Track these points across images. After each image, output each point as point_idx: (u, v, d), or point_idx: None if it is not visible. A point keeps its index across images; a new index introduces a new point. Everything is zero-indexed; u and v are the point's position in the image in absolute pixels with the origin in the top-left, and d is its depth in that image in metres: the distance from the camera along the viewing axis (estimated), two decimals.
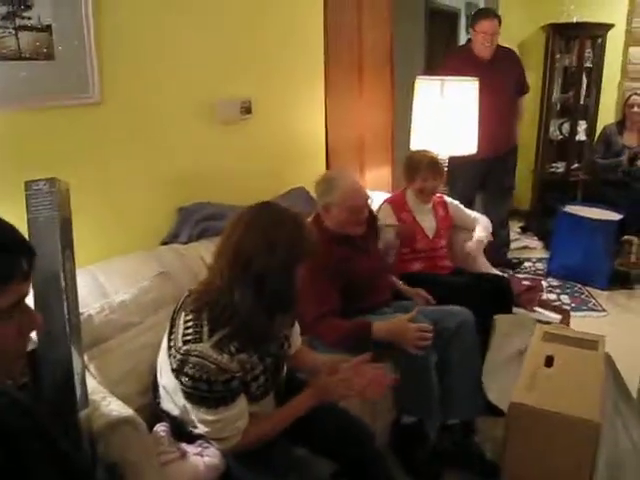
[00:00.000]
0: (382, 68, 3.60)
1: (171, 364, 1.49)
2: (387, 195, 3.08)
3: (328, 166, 3.25)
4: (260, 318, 1.49)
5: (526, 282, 3.56)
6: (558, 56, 4.94)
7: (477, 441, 2.25)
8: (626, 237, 3.99)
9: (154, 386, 1.71)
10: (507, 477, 1.87)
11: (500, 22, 3.74)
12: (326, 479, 1.70)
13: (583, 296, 3.85)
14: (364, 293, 2.25)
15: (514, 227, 5.07)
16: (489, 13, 3.78)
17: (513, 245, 4.71)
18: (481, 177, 4.08)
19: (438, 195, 2.91)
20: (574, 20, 4.78)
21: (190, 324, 1.48)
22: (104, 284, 1.96)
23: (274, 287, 1.47)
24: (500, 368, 2.30)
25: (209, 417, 1.47)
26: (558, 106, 5.15)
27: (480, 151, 3.68)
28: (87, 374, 1.60)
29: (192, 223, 2.39)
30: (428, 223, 2.79)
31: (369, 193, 2.40)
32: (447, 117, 3.14)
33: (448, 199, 2.96)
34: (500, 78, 3.82)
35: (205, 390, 1.43)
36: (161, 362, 1.62)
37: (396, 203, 2.77)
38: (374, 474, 1.70)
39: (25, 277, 0.89)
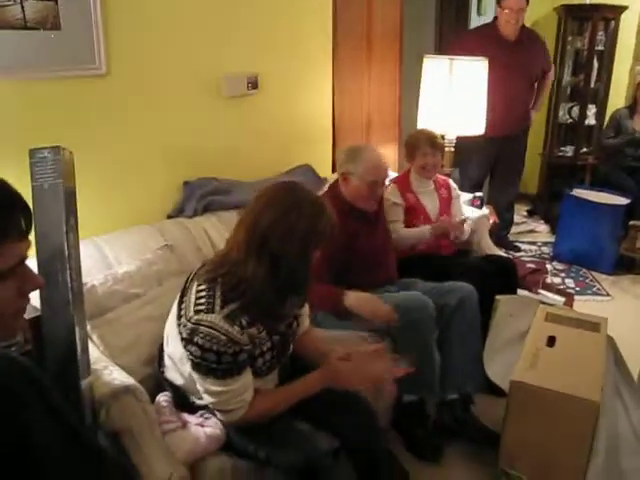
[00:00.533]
0: (391, 46, 3.55)
1: (181, 333, 1.50)
2: (394, 174, 3.08)
3: (334, 144, 3.23)
4: (272, 296, 1.50)
5: (531, 265, 3.56)
6: (570, 38, 4.86)
7: (476, 414, 2.28)
8: (633, 222, 3.97)
9: (159, 355, 1.73)
10: (505, 455, 1.88)
11: (528, 0, 3.69)
12: (326, 454, 1.71)
13: (588, 280, 3.84)
14: (369, 269, 2.26)
15: (521, 211, 5.05)
16: None
17: (520, 228, 4.71)
18: (491, 158, 4.06)
19: (443, 177, 2.90)
20: (587, 1, 4.71)
21: (203, 294, 1.48)
22: (108, 255, 1.97)
23: (288, 269, 1.48)
24: (502, 348, 2.30)
25: (216, 388, 1.48)
26: (568, 89, 5.09)
27: (492, 129, 3.68)
28: (90, 344, 1.62)
29: (197, 197, 2.40)
30: (431, 204, 2.78)
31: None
32: (455, 96, 3.11)
33: (453, 184, 2.95)
34: (522, 60, 3.81)
35: (213, 361, 1.44)
36: (169, 330, 1.63)
37: (401, 183, 2.77)
38: (374, 451, 1.71)
39: (21, 236, 0.85)
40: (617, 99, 4.85)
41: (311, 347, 1.81)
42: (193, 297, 1.49)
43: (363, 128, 3.49)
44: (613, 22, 4.80)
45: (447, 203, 2.84)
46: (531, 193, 5.28)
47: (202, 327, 1.43)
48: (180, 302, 1.55)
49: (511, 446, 1.86)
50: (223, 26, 2.45)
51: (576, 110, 4.96)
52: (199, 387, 1.53)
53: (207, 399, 1.53)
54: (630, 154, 4.23)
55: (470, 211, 3.04)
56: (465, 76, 3.10)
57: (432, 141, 2.70)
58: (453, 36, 5.62)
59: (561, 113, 5.02)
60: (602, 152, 4.57)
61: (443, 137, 2.87)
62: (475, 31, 4.09)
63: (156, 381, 1.74)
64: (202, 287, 1.50)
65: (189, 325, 1.46)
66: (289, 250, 1.47)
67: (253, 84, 2.64)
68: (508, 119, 3.84)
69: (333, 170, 3.18)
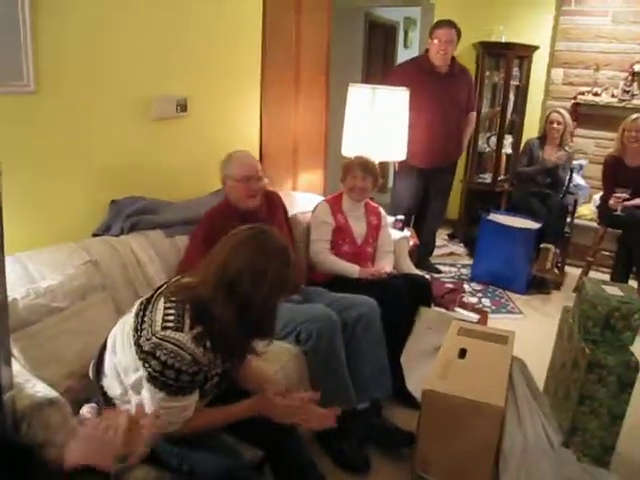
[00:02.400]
0: (318, 75, 3.69)
1: (141, 345, 1.51)
2: (318, 198, 3.19)
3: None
4: (237, 338, 1.56)
5: (449, 285, 3.75)
6: (488, 73, 5.18)
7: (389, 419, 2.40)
8: (543, 245, 4.25)
9: (97, 362, 1.73)
10: (420, 460, 1.99)
11: (459, 34, 3.92)
12: (249, 466, 1.76)
13: (503, 300, 4.06)
14: None
15: (442, 234, 5.28)
16: (447, 22, 3.94)
17: (441, 251, 4.92)
18: (422, 189, 4.25)
19: (374, 205, 3.02)
20: (503, 39, 5.04)
21: (172, 312, 1.50)
22: (32, 272, 1.96)
23: (256, 315, 1.53)
24: (417, 359, 2.44)
25: (165, 403, 1.50)
26: (487, 120, 5.42)
27: (425, 160, 3.91)
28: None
29: (124, 216, 2.41)
30: (359, 229, 2.88)
31: (301, 194, 2.51)
32: (377, 123, 3.28)
33: (383, 212, 3.07)
34: (452, 93, 4.04)
35: (171, 378, 1.47)
36: (118, 340, 1.64)
37: (333, 203, 2.87)
38: (296, 460, 1.77)
39: None
40: (531, 130, 5.18)
41: (251, 376, 1.85)
42: (160, 313, 1.51)
43: (290, 154, 3.60)
44: (526, 60, 5.17)
45: (375, 230, 2.94)
46: (452, 218, 5.54)
47: (168, 344, 1.46)
48: (142, 315, 1.56)
49: (425, 452, 1.97)
50: (155, 49, 2.51)
51: (494, 140, 5.27)
52: (146, 395, 1.52)
53: (150, 408, 1.52)
54: (541, 181, 4.53)
55: (392, 232, 3.18)
56: (386, 104, 3.28)
57: (364, 165, 2.83)
58: (380, 66, 5.88)
59: (480, 142, 5.32)
60: (516, 179, 4.86)
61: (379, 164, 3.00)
62: (408, 63, 4.26)
63: (86, 388, 1.75)
64: (171, 305, 1.52)
65: (154, 339, 1.47)
66: (257, 296, 1.50)
67: (182, 107, 2.70)
68: (441, 150, 4.07)
69: None
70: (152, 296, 1.61)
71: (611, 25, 4.83)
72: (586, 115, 5.01)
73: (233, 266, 1.50)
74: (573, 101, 5.01)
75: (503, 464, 1.99)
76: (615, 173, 4.14)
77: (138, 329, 1.55)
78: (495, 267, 4.26)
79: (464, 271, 4.59)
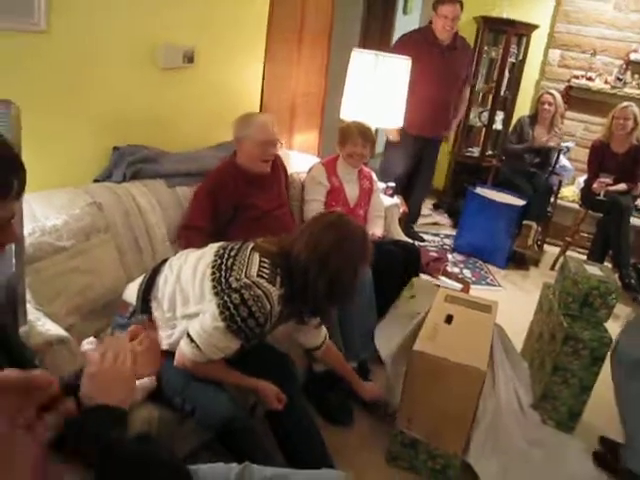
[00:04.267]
0: (321, 37, 3.70)
1: (228, 281, 1.64)
2: (314, 158, 3.24)
3: None
4: (323, 306, 1.76)
5: (433, 253, 3.86)
6: (486, 48, 5.22)
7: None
8: (526, 222, 4.38)
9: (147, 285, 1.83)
10: (403, 416, 2.11)
11: (462, 7, 3.92)
12: (246, 415, 1.84)
13: (483, 272, 4.19)
14: (259, 230, 2.42)
15: (427, 204, 5.38)
16: None
17: (425, 220, 5.03)
18: (415, 157, 4.31)
19: (367, 170, 3.08)
20: (504, 16, 5.06)
21: (267, 266, 1.66)
22: (35, 211, 1.98)
23: (344, 285, 1.71)
24: (391, 321, 2.55)
25: (216, 332, 1.61)
26: (480, 95, 5.47)
27: (421, 129, 3.96)
28: None
29: (126, 164, 2.42)
30: (352, 192, 2.96)
31: (297, 154, 2.56)
32: (378, 90, 3.31)
33: (375, 177, 3.13)
34: (453, 66, 4.08)
35: (241, 317, 1.59)
36: (185, 271, 1.77)
37: (328, 166, 2.93)
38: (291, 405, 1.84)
39: (18, 196, 0.94)
40: (523, 108, 5.26)
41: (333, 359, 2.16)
42: (256, 265, 1.66)
43: (289, 111, 3.63)
44: (525, 38, 5.21)
45: (367, 194, 3.03)
46: (437, 188, 5.63)
47: (257, 289, 1.60)
48: (227, 258, 1.70)
49: (408, 409, 2.09)
50: None
51: (485, 115, 5.34)
52: (203, 320, 1.64)
53: (199, 331, 1.63)
54: (529, 160, 4.62)
55: (383, 199, 3.25)
56: (388, 72, 3.31)
57: (364, 133, 2.88)
58: (378, 32, 5.85)
59: (472, 116, 5.39)
60: (505, 155, 4.95)
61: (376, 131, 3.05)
62: (414, 33, 4.25)
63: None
64: (266, 262, 1.67)
65: (246, 280, 1.61)
66: (346, 269, 1.69)
67: (189, 58, 2.70)
68: (436, 121, 4.14)
69: None
70: (239, 247, 1.74)
71: (612, 12, 4.88)
72: (578, 99, 5.10)
73: (324, 244, 1.67)
74: (567, 84, 5.08)
75: (476, 423, 2.12)
76: (601, 158, 4.26)
77: (222, 269, 1.68)
78: (477, 240, 4.38)
79: (447, 241, 4.70)
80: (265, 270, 1.65)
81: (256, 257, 1.68)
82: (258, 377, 1.78)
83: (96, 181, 2.40)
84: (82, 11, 2.17)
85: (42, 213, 1.99)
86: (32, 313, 1.64)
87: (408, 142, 4.12)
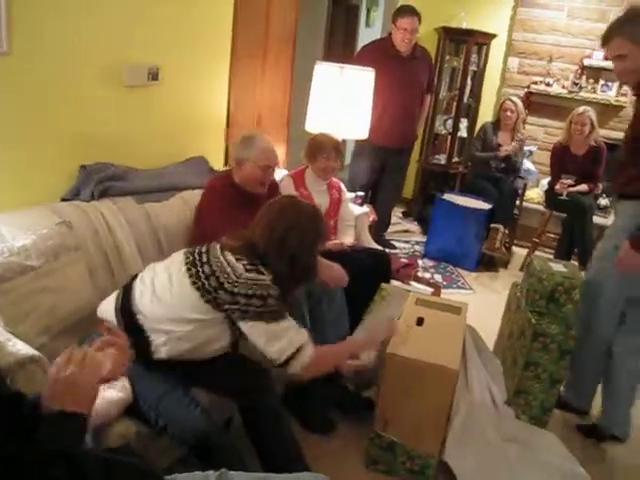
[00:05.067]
0: (285, 50, 3.75)
1: (225, 289, 1.69)
2: (281, 171, 3.27)
3: (227, 139, 3.37)
4: (289, 283, 1.80)
5: (404, 260, 3.91)
6: (447, 57, 5.34)
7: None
8: (493, 225, 4.47)
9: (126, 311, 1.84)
10: (380, 419, 2.14)
11: (420, 20, 4.01)
12: (220, 430, 1.84)
13: (453, 276, 4.27)
14: None
15: (397, 212, 5.46)
16: (410, 10, 4.02)
17: (396, 228, 5.10)
18: (379, 167, 4.37)
19: (335, 180, 3.12)
20: (464, 26, 5.19)
21: (245, 261, 1.73)
22: (3, 233, 1.97)
23: (303, 263, 1.80)
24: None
25: (279, 329, 1.72)
26: (444, 103, 5.58)
27: (384, 139, 4.02)
28: None
29: (95, 182, 2.41)
30: (322, 202, 2.96)
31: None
32: (343, 101, 3.36)
33: (344, 187, 3.17)
34: (413, 75, 4.17)
35: (269, 304, 1.70)
36: (161, 287, 1.79)
37: (296, 178, 2.96)
38: (266, 410, 1.86)
39: None
40: (486, 115, 5.38)
41: None
42: (238, 263, 1.72)
43: (255, 125, 3.66)
44: (485, 47, 5.34)
45: (337, 204, 3.06)
46: (406, 196, 5.71)
47: (253, 282, 1.69)
48: (202, 264, 1.75)
49: (385, 412, 2.12)
50: (129, 15, 2.50)
51: (450, 122, 5.45)
52: (266, 341, 1.72)
53: (276, 350, 1.72)
54: (494, 165, 4.72)
55: (352, 208, 3.30)
56: (353, 83, 3.36)
57: (337, 147, 2.93)
58: (341, 45, 5.93)
59: (437, 124, 5.49)
60: (470, 162, 5.06)
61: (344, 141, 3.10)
62: (374, 44, 4.33)
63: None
64: (240, 256, 1.74)
65: (241, 280, 1.69)
66: (304, 247, 1.78)
67: (154, 75, 2.72)
68: (400, 131, 4.21)
69: (225, 162, 3.33)
70: (207, 249, 1.80)
71: (566, 20, 5.04)
72: (538, 104, 5.24)
73: (280, 226, 1.77)
74: (526, 90, 5.22)
75: (451, 421, 2.16)
76: (562, 160, 4.39)
77: (197, 264, 1.75)
78: (447, 245, 4.46)
79: (417, 248, 4.77)
80: (247, 265, 1.72)
81: (231, 257, 1.74)
82: (234, 388, 1.80)
83: (64, 200, 2.39)
84: (45, 32, 2.17)
85: (10, 234, 1.98)
86: (2, 334, 1.63)
87: (371, 152, 4.19)
